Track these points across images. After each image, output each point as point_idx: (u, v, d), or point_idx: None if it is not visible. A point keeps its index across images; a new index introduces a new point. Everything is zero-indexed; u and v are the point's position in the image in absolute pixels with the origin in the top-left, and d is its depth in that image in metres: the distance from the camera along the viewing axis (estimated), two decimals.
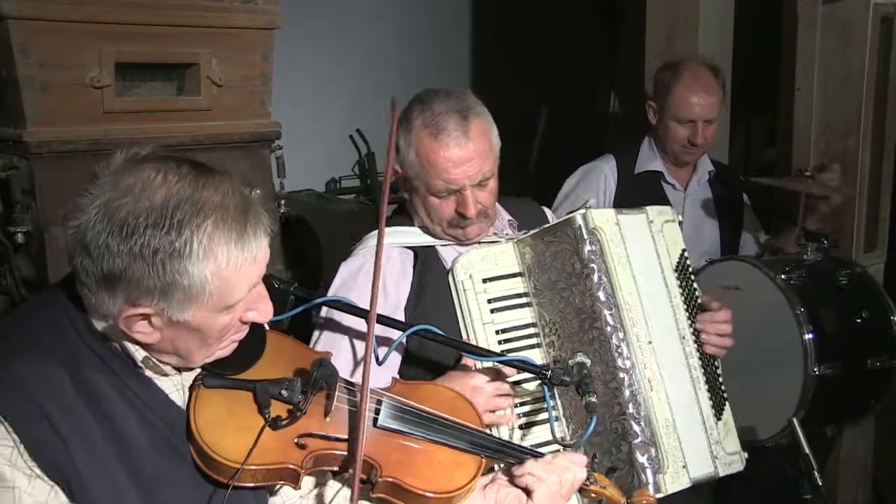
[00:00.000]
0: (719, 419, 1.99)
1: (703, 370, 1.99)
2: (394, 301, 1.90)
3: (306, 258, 3.33)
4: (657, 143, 2.95)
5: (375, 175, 4.73)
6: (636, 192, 2.78)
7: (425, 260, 1.94)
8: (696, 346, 2.00)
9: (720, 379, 2.04)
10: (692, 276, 2.07)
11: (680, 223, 2.07)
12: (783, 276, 2.56)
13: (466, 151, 1.85)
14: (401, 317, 1.88)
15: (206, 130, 2.25)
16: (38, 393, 1.21)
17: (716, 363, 2.05)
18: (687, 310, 2.01)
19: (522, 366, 1.74)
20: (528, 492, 1.53)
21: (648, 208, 2.03)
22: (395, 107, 1.37)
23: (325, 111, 4.58)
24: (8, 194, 2.09)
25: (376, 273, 1.43)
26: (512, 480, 1.56)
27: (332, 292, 1.93)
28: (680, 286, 2.01)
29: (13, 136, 2.06)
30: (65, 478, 1.20)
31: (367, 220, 4.07)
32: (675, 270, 2.02)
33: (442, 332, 1.74)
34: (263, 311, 1.33)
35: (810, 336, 2.49)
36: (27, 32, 1.97)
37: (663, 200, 2.84)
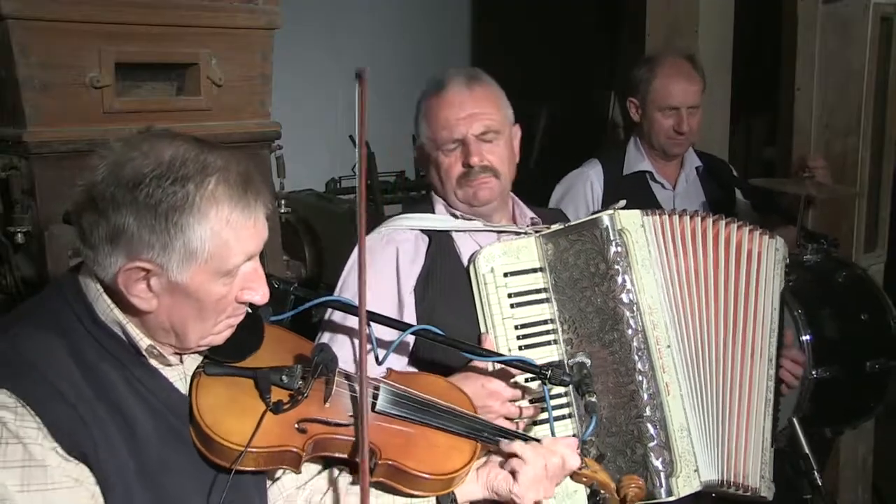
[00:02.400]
0: (772, 446, 2.02)
1: (774, 396, 2.02)
2: (404, 281, 1.91)
3: (306, 258, 3.33)
4: (643, 141, 2.95)
5: (376, 175, 4.72)
6: (624, 195, 2.78)
7: (439, 246, 1.95)
8: (776, 371, 2.04)
9: (778, 412, 2.07)
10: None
11: (786, 263, 2.12)
12: None
13: (467, 101, 1.92)
14: (410, 299, 1.90)
15: (206, 130, 2.24)
16: (53, 377, 1.23)
17: (779, 398, 2.09)
18: (776, 335, 2.05)
19: (522, 366, 1.74)
20: (513, 473, 1.53)
21: (777, 237, 2.08)
22: (362, 76, 1.41)
23: (325, 111, 4.57)
24: (8, 194, 2.09)
25: (361, 268, 1.44)
26: (502, 462, 1.56)
27: (348, 267, 1.96)
28: (779, 313, 2.06)
29: (13, 136, 2.06)
30: (86, 458, 1.22)
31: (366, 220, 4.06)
32: (780, 298, 2.06)
33: (442, 332, 1.74)
34: (260, 292, 1.34)
35: (808, 338, 2.49)
36: (27, 32, 1.97)
37: (652, 202, 2.84)
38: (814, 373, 2.46)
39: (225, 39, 2.28)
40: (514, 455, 1.54)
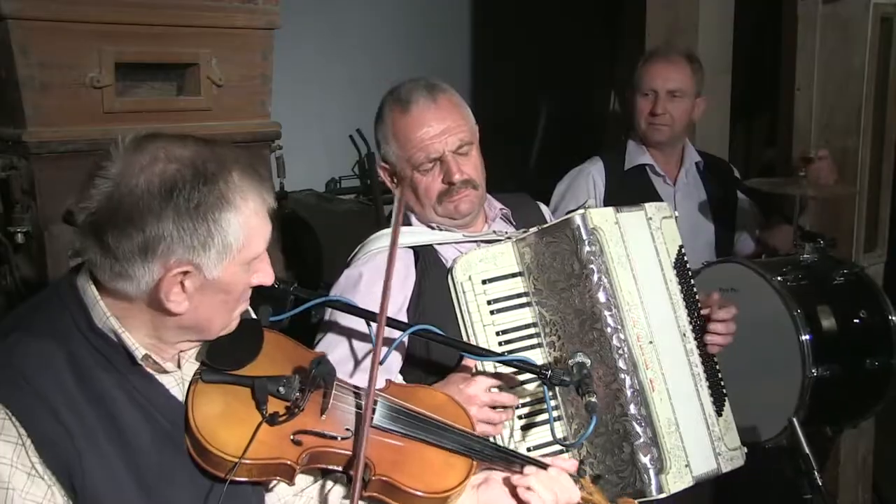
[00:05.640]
0: (720, 415, 1.99)
1: (703, 367, 1.99)
2: (397, 305, 1.89)
3: (306, 258, 3.33)
4: (635, 133, 2.98)
5: (375, 175, 4.73)
6: (626, 190, 2.79)
7: (426, 259, 1.94)
8: (696, 342, 2.00)
9: (720, 375, 2.04)
10: (690, 272, 2.06)
11: (675, 218, 2.06)
12: (780, 278, 2.56)
13: (437, 117, 1.91)
14: (403, 316, 1.88)
15: (206, 130, 2.24)
16: (45, 388, 1.22)
17: (715, 359, 2.05)
18: (687, 306, 2.00)
19: (522, 366, 1.74)
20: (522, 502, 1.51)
21: (647, 205, 2.01)
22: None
23: (325, 111, 4.57)
24: (8, 194, 2.10)
25: (388, 276, 1.44)
26: (507, 485, 1.53)
27: (338, 292, 1.92)
28: (679, 283, 2.01)
29: (13, 136, 2.06)
30: (69, 473, 1.21)
31: (367, 220, 4.07)
32: (674, 267, 2.01)
33: (441, 332, 1.74)
34: (269, 273, 1.37)
35: (808, 337, 2.49)
36: (27, 32, 1.98)
37: (654, 196, 2.85)
38: (813, 371, 2.47)
39: (225, 39, 2.28)
40: (528, 489, 1.50)
